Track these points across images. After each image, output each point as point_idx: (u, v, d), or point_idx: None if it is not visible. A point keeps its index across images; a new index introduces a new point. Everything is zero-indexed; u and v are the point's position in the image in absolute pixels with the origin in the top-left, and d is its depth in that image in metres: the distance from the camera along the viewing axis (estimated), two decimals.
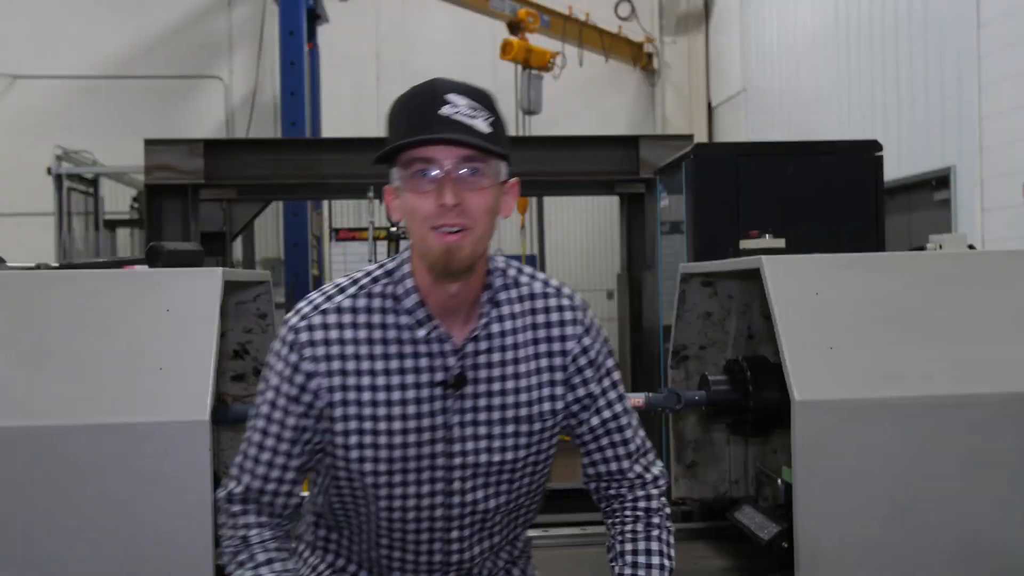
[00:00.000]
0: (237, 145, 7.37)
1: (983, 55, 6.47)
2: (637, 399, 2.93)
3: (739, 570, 3.03)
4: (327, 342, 1.69)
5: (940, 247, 3.16)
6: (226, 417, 2.70)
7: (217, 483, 2.62)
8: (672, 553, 1.85)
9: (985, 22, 6.45)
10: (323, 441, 1.74)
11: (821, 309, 2.50)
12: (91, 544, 2.21)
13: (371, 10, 12.68)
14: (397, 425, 1.70)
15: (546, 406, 1.79)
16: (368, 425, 1.70)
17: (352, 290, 1.74)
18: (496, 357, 1.75)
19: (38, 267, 2.66)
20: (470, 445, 1.74)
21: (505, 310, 1.76)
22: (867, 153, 4.19)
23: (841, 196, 4.10)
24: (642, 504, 1.89)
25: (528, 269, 1.85)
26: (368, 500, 1.77)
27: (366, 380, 1.69)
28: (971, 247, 3.26)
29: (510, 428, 1.75)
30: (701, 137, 12.59)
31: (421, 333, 1.70)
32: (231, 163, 6.22)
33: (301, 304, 1.75)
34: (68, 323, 2.35)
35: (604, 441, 1.88)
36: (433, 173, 1.60)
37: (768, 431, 2.98)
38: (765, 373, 2.88)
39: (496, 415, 1.75)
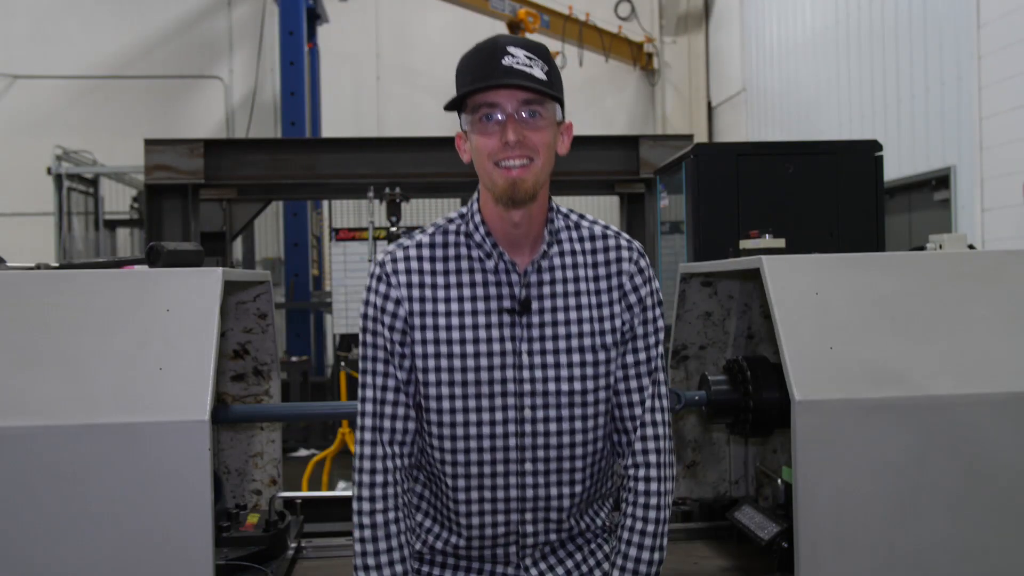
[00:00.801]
0: (237, 145, 7.37)
1: (983, 55, 6.47)
2: None
3: (739, 570, 3.03)
4: (409, 271, 1.87)
5: (940, 247, 3.16)
6: (226, 417, 2.70)
7: (217, 483, 2.62)
8: (664, 540, 1.93)
9: (985, 22, 6.46)
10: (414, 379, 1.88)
11: (821, 309, 2.50)
12: (91, 544, 2.21)
13: (371, 10, 12.69)
14: (470, 348, 1.84)
15: (608, 338, 1.88)
16: (444, 348, 1.84)
17: (431, 230, 1.93)
18: (559, 288, 1.88)
19: (38, 267, 2.66)
20: (539, 373, 1.84)
21: (566, 247, 1.91)
22: (867, 153, 4.19)
23: (841, 196, 4.09)
24: (642, 486, 1.93)
25: (590, 216, 1.98)
26: (445, 431, 1.84)
27: (442, 306, 1.85)
28: (971, 247, 3.26)
29: (576, 357, 1.85)
30: (701, 137, 12.60)
31: (490, 264, 1.86)
32: (231, 163, 6.23)
33: (388, 246, 1.97)
34: (68, 323, 2.35)
35: (633, 383, 1.93)
36: (497, 116, 1.78)
37: (768, 431, 2.98)
38: (765, 373, 2.88)
39: (562, 344, 1.85)
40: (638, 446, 1.93)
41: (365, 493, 1.85)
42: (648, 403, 1.94)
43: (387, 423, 1.87)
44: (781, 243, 3.03)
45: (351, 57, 12.61)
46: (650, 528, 1.90)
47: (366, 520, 1.84)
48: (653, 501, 1.91)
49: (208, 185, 6.14)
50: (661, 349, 1.97)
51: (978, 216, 6.49)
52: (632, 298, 1.92)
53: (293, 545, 3.07)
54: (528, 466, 1.85)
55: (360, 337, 1.91)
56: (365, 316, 1.89)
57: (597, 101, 13.24)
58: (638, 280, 1.93)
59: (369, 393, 1.88)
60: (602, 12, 12.86)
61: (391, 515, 1.84)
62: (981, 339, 2.49)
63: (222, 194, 6.30)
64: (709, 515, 3.47)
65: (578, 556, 1.95)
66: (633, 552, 1.89)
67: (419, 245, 1.89)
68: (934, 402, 2.39)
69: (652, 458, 1.93)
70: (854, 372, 2.41)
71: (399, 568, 1.84)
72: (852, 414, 2.36)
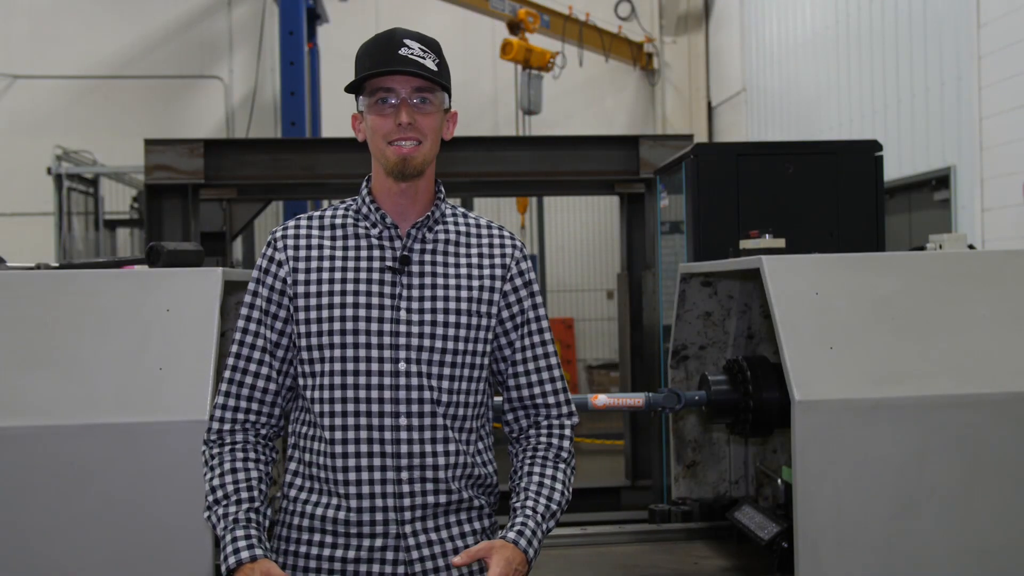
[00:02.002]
0: (237, 145, 7.36)
1: (983, 55, 6.47)
2: (637, 399, 2.93)
3: (739, 570, 3.03)
4: (296, 237, 2.01)
5: (940, 247, 3.16)
6: None
7: None
8: (570, 490, 2.03)
9: (985, 22, 6.45)
10: (293, 331, 1.98)
11: (821, 309, 2.50)
12: (91, 543, 2.21)
13: (371, 10, 12.69)
14: (349, 299, 1.94)
15: (484, 307, 2.00)
16: (325, 300, 1.95)
17: (324, 209, 2.08)
18: (440, 258, 2.01)
19: (38, 267, 2.66)
20: (415, 328, 1.94)
21: (451, 227, 2.05)
22: (867, 153, 4.19)
23: (841, 196, 4.10)
24: (555, 440, 2.05)
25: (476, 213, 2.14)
26: (324, 380, 1.93)
27: (326, 263, 1.97)
28: (971, 247, 3.26)
29: (452, 318, 1.97)
30: (701, 137, 12.59)
31: (375, 231, 2.00)
32: (231, 163, 6.22)
33: None
34: (68, 323, 2.35)
35: (531, 366, 2.06)
36: (392, 100, 1.95)
37: (768, 431, 2.98)
38: (765, 373, 2.88)
39: (440, 304, 1.97)
40: (553, 421, 2.07)
41: (213, 437, 1.97)
42: (558, 384, 2.08)
43: (248, 379, 1.98)
44: (781, 243, 3.03)
45: (351, 57, 12.57)
46: (560, 475, 2.01)
47: (215, 450, 1.96)
48: (564, 456, 2.04)
49: (208, 185, 6.13)
50: (553, 345, 2.09)
51: (978, 216, 6.48)
52: (518, 281, 2.05)
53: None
54: (403, 420, 1.91)
55: (240, 311, 2.04)
56: (252, 279, 2.02)
57: (597, 101, 13.24)
58: (523, 265, 2.07)
59: (235, 348, 2.01)
60: (602, 12, 12.85)
61: (239, 451, 1.95)
62: (981, 339, 2.49)
63: (222, 194, 6.29)
64: (709, 515, 3.47)
65: (457, 529, 1.97)
66: (548, 482, 1.99)
67: (310, 218, 2.04)
68: (934, 402, 2.39)
69: (567, 431, 2.07)
70: (854, 372, 2.41)
71: (243, 485, 1.92)
72: (852, 414, 2.36)
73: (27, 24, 12.15)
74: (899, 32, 7.69)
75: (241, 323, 2.01)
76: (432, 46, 1.98)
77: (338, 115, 11.94)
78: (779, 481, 2.99)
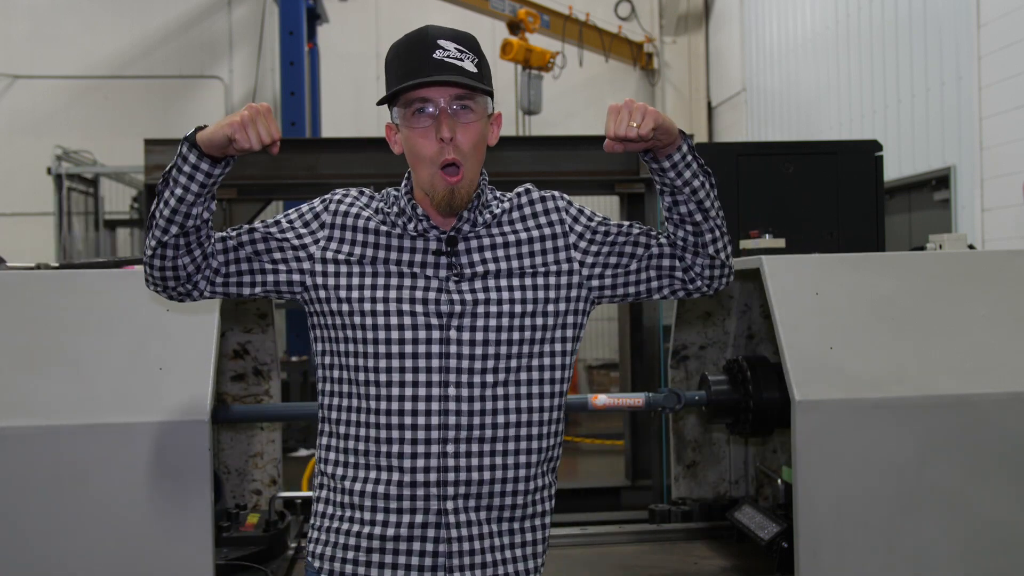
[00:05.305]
0: None
1: (983, 55, 6.47)
2: (637, 399, 2.93)
3: (739, 570, 3.03)
4: (347, 213, 1.88)
5: (940, 247, 3.16)
6: (226, 417, 2.70)
7: (217, 483, 2.61)
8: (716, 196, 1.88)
9: (985, 22, 6.45)
10: (322, 321, 1.86)
11: (821, 309, 2.51)
12: (91, 543, 2.21)
13: (371, 10, 12.69)
14: (394, 280, 1.82)
15: (553, 280, 1.86)
16: (368, 280, 1.83)
17: (383, 194, 1.95)
18: (488, 252, 1.86)
19: (38, 267, 2.66)
20: (466, 350, 1.80)
21: (495, 209, 1.91)
22: (867, 153, 4.18)
23: (841, 196, 4.09)
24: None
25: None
26: (367, 389, 1.80)
27: (370, 252, 1.84)
28: (971, 247, 3.26)
29: (516, 284, 1.83)
30: (701, 137, 12.59)
31: (413, 224, 1.86)
32: None
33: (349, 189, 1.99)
34: (68, 323, 2.35)
35: (627, 249, 1.91)
36: (429, 110, 1.78)
37: (768, 431, 2.98)
38: (765, 373, 2.88)
39: (504, 281, 1.83)
40: (669, 239, 1.92)
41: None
42: (651, 228, 1.94)
43: (233, 232, 1.87)
44: (781, 243, 3.03)
45: (351, 57, 12.59)
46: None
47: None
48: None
49: None
50: (612, 220, 1.98)
51: (978, 216, 6.48)
52: (578, 227, 1.91)
53: (293, 545, 3.07)
54: (451, 435, 1.79)
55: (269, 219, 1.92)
56: (293, 211, 1.91)
57: (597, 101, 13.21)
58: (574, 211, 1.94)
59: (247, 226, 1.90)
60: (602, 12, 12.85)
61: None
62: (981, 339, 2.49)
63: (222, 194, 6.29)
64: (709, 515, 3.47)
65: (509, 500, 1.83)
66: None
67: (363, 195, 1.93)
68: (934, 402, 2.39)
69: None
70: (854, 372, 2.41)
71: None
72: (852, 414, 2.36)
73: (27, 24, 12.15)
74: (899, 32, 7.69)
75: (260, 225, 1.90)
76: (469, 43, 1.81)
77: (338, 115, 11.96)
78: (779, 481, 2.99)
